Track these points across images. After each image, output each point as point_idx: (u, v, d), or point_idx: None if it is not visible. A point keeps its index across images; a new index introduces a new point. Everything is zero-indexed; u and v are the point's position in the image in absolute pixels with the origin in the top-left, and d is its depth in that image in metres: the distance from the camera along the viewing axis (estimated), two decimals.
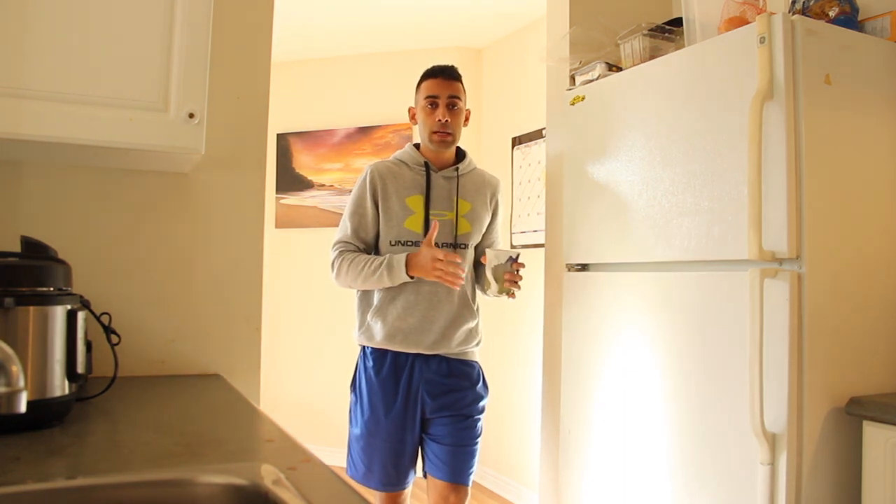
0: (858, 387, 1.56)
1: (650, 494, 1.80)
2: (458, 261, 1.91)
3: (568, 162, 2.18)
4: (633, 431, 1.87)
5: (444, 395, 2.03)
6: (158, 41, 1.37)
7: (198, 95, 1.40)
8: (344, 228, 2.08)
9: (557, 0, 2.44)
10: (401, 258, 1.95)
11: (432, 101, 2.05)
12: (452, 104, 2.05)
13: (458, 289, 1.99)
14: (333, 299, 4.16)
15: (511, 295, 2.03)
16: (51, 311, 1.11)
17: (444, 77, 2.06)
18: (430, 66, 2.13)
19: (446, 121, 2.03)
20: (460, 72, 2.12)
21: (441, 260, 1.89)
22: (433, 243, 1.93)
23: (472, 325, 2.08)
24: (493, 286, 2.01)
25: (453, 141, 2.07)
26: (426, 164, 2.07)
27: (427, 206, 2.04)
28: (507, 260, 1.98)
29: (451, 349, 2.04)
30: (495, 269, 1.99)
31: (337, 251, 2.06)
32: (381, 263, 1.97)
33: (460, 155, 2.15)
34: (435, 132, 2.04)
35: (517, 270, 2.00)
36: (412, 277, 1.96)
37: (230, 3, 1.75)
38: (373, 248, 2.09)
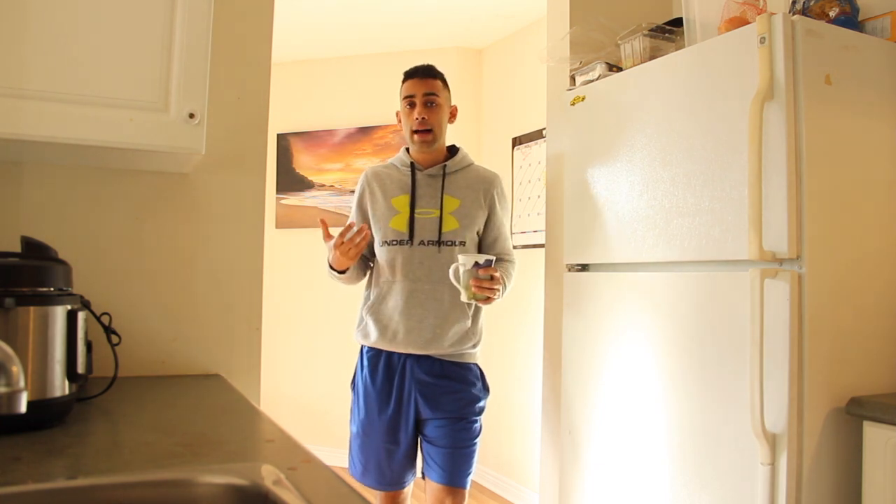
0: (858, 387, 1.56)
1: (651, 494, 1.80)
2: (357, 230, 1.91)
3: (568, 162, 2.18)
4: (633, 431, 1.88)
5: (437, 396, 2.02)
6: (158, 41, 1.37)
7: (198, 95, 1.40)
8: None
9: (557, 0, 2.45)
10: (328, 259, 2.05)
11: (410, 102, 2.08)
12: (430, 101, 2.07)
13: (352, 262, 2.00)
14: (333, 300, 4.17)
15: (481, 301, 1.95)
16: (51, 312, 1.11)
17: (419, 76, 2.10)
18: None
19: (423, 118, 2.05)
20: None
21: (341, 240, 1.92)
22: (330, 236, 1.98)
23: (465, 325, 2.03)
24: (462, 292, 1.93)
25: (434, 138, 2.08)
26: (412, 165, 2.10)
27: (412, 205, 2.06)
28: (474, 265, 1.90)
29: (443, 349, 2.01)
30: (462, 274, 1.91)
31: None
32: (329, 266, 2.07)
33: (453, 153, 2.16)
34: (414, 131, 2.07)
35: (490, 276, 1.91)
36: (342, 272, 2.04)
37: (230, 3, 1.75)
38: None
